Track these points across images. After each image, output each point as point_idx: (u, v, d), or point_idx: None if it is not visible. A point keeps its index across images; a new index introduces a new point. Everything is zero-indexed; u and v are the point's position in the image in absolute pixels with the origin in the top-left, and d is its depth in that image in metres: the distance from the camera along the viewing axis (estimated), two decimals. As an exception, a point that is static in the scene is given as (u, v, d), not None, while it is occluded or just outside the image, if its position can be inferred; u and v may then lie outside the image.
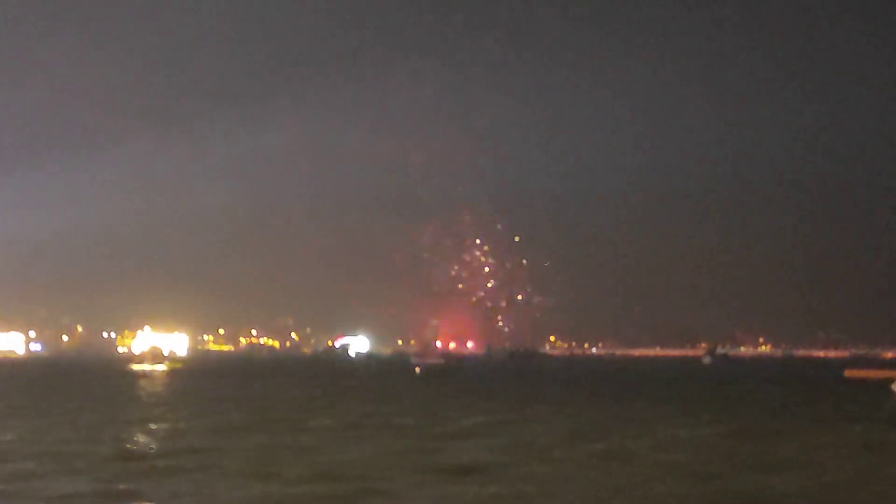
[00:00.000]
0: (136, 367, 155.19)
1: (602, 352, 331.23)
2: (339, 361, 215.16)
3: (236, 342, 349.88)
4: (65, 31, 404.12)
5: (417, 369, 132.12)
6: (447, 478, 28.07)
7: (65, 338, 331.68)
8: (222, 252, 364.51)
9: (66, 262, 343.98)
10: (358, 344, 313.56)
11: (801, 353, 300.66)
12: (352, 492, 25.60)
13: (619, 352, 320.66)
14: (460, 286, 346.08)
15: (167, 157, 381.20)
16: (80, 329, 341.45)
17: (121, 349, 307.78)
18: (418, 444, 36.46)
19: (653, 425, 45.67)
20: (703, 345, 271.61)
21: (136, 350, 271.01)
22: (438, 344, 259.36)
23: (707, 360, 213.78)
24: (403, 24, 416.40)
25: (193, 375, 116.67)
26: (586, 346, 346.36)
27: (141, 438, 38.54)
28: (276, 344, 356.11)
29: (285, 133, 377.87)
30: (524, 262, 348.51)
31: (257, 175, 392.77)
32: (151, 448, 35.25)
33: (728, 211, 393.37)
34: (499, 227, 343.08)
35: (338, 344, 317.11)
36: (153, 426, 44.07)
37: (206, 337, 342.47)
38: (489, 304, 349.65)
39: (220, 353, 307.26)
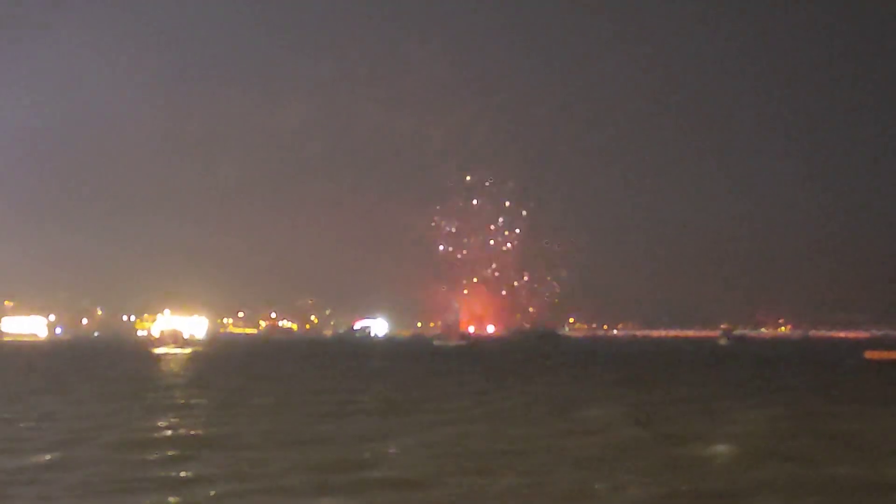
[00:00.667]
0: (157, 350, 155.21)
1: (622, 333, 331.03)
2: (362, 344, 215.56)
3: (256, 324, 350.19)
4: (80, 8, 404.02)
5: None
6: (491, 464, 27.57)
7: (84, 321, 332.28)
8: (241, 234, 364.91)
9: (85, 245, 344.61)
10: (377, 326, 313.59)
11: (820, 333, 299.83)
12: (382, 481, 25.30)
13: (639, 333, 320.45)
14: (479, 267, 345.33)
15: (184, 137, 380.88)
16: (99, 312, 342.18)
17: (140, 332, 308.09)
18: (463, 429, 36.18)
19: (706, 407, 45.30)
20: (723, 326, 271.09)
21: (155, 333, 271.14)
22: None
23: (724, 341, 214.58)
24: (415, 8, 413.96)
25: (216, 359, 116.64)
26: (605, 327, 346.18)
27: (166, 424, 38.20)
28: (295, 326, 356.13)
29: (301, 111, 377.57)
30: (545, 242, 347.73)
31: (274, 154, 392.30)
32: (176, 434, 34.94)
33: (749, 191, 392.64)
34: (507, 204, 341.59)
35: (357, 327, 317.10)
36: (180, 412, 43.84)
37: (225, 320, 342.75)
38: (508, 286, 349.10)
39: (244, 335, 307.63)
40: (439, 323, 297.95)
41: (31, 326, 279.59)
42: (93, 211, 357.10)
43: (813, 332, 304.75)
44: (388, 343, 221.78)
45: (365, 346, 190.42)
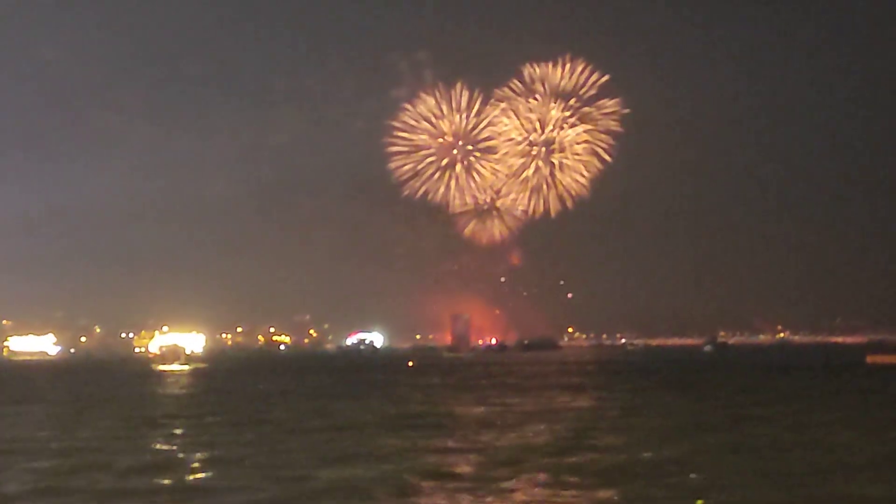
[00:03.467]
0: (160, 367, 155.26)
1: (623, 342, 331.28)
2: (367, 357, 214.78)
3: (255, 339, 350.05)
4: (72, 25, 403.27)
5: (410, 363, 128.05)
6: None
7: (83, 339, 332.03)
8: (235, 250, 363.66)
9: (79, 263, 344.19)
10: (373, 339, 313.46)
11: (819, 339, 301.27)
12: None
13: (637, 341, 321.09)
14: (478, 280, 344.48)
15: (174, 154, 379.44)
16: (98, 330, 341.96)
17: (137, 349, 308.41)
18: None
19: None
20: (722, 333, 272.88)
21: (153, 350, 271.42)
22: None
23: (708, 348, 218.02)
24: (403, 16, 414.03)
25: (227, 376, 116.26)
26: (605, 336, 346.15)
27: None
28: (288, 339, 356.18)
29: (291, 126, 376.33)
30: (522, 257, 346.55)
31: (265, 170, 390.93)
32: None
33: (745, 198, 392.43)
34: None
35: (353, 340, 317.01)
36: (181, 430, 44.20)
37: (224, 335, 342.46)
38: (507, 297, 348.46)
39: (245, 349, 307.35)
40: (436, 335, 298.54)
41: (40, 345, 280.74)
42: (85, 229, 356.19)
43: (789, 338, 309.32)
44: (403, 356, 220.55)
45: (371, 360, 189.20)
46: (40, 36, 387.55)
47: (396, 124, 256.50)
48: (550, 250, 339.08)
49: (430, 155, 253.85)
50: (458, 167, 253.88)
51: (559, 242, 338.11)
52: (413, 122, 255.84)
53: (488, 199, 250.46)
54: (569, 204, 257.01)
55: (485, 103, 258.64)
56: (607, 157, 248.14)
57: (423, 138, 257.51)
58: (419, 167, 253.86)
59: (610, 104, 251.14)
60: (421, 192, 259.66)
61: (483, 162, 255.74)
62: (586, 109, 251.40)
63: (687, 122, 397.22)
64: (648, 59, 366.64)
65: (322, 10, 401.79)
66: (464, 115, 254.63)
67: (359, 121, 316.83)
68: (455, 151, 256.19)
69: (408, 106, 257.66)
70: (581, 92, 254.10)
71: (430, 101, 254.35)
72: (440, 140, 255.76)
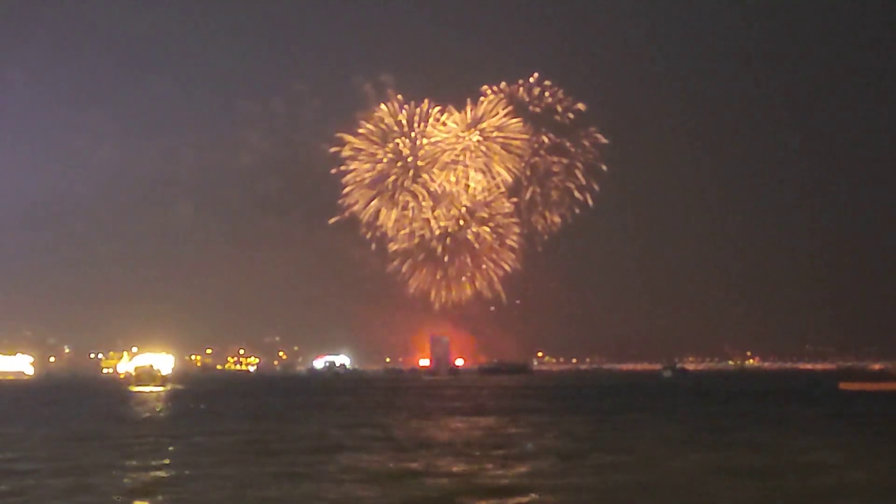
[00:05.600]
0: (134, 388, 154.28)
1: (590, 366, 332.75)
2: (344, 379, 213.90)
3: (225, 361, 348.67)
4: (38, 46, 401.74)
5: None
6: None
7: (52, 359, 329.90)
8: (201, 272, 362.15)
9: (47, 284, 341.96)
10: (342, 362, 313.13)
11: (789, 365, 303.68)
12: None
13: (606, 366, 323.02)
14: (448, 304, 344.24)
15: (138, 178, 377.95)
16: (67, 350, 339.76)
17: (106, 370, 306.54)
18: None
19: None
20: (691, 359, 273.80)
21: (121, 371, 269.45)
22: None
23: (667, 373, 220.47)
24: (368, 38, 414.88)
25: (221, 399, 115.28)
26: (574, 360, 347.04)
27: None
28: (257, 361, 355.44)
29: (254, 149, 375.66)
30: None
31: (232, 192, 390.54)
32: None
33: (716, 227, 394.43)
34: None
35: (321, 362, 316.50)
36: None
37: (192, 357, 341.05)
38: (476, 319, 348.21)
39: (220, 371, 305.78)
40: (405, 358, 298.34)
41: (17, 365, 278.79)
42: (53, 251, 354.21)
43: (759, 364, 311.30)
44: (384, 378, 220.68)
45: (352, 383, 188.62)
46: (5, 57, 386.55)
47: (347, 153, 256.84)
48: (520, 275, 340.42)
49: (380, 194, 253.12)
50: (418, 197, 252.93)
51: (528, 268, 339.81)
52: (369, 149, 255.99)
53: (450, 229, 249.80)
54: (539, 247, 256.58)
55: (446, 128, 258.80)
56: (580, 196, 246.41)
57: (378, 167, 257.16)
58: (370, 203, 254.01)
59: (585, 134, 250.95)
60: (377, 231, 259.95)
61: (442, 194, 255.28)
62: (559, 140, 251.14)
63: (659, 148, 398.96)
64: (624, 90, 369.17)
65: (287, 32, 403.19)
66: (419, 140, 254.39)
67: (324, 143, 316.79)
68: (407, 175, 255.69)
69: (361, 130, 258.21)
70: (555, 118, 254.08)
71: (385, 122, 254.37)
72: (396, 166, 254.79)
